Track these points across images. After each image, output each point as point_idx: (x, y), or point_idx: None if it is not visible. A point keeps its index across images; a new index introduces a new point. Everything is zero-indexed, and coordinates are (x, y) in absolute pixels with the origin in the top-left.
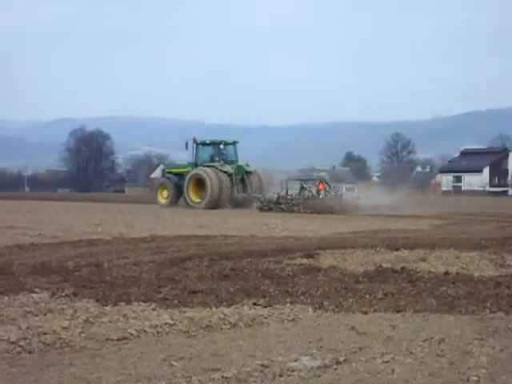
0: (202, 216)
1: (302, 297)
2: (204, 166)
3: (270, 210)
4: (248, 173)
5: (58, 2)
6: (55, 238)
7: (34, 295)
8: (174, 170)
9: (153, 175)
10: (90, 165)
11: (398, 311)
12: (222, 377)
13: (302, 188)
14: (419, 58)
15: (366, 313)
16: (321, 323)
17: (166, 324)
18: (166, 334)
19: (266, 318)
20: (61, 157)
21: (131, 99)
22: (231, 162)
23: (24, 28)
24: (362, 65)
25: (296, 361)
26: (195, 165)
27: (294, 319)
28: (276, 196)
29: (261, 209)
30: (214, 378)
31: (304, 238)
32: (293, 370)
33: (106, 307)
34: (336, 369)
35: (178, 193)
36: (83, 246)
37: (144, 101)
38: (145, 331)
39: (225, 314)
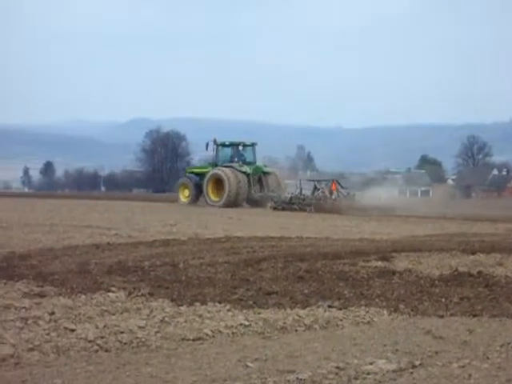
0: (279, 217)
1: (376, 299)
2: (223, 167)
3: (283, 209)
4: (265, 173)
5: (132, 4)
6: (131, 237)
7: (110, 294)
8: (195, 170)
9: None
10: (166, 165)
11: (475, 315)
12: (297, 379)
13: (315, 188)
14: (497, 59)
15: (441, 317)
16: (396, 326)
17: (241, 325)
18: (241, 334)
19: (340, 320)
20: (137, 157)
21: (207, 100)
22: (250, 163)
23: (100, 29)
24: (439, 67)
25: (371, 364)
26: (215, 165)
27: (369, 322)
28: (289, 196)
29: (274, 208)
30: (288, 380)
31: (379, 240)
32: (368, 373)
33: (181, 307)
34: (412, 373)
35: (199, 192)
36: (159, 246)
37: (219, 102)
38: (220, 332)
39: (300, 316)
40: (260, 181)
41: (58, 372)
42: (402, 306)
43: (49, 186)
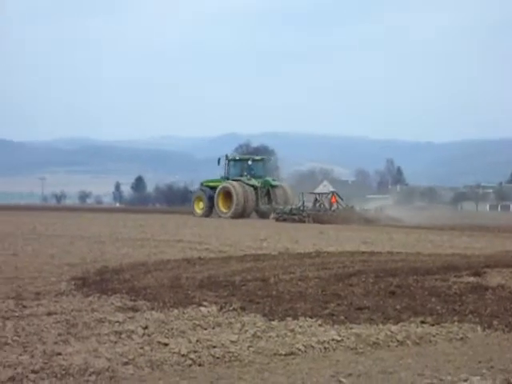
0: (366, 232)
1: (470, 315)
2: (232, 180)
3: (284, 220)
4: (274, 186)
5: (233, 23)
6: (222, 252)
7: (202, 309)
8: (209, 184)
9: (316, 190)
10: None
11: None
12: None
13: (316, 201)
14: None
15: None
16: (490, 343)
17: (333, 340)
18: (334, 350)
19: (433, 336)
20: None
21: (296, 115)
22: (259, 177)
23: (190, 47)
24: None
25: (465, 381)
26: (226, 179)
27: (462, 338)
28: (290, 208)
29: (277, 219)
30: None
31: (471, 255)
32: None
33: (273, 322)
34: None
35: (212, 204)
36: (249, 261)
37: (308, 116)
38: (312, 347)
39: (392, 332)
40: (268, 194)
41: None
42: (495, 322)
43: (140, 200)
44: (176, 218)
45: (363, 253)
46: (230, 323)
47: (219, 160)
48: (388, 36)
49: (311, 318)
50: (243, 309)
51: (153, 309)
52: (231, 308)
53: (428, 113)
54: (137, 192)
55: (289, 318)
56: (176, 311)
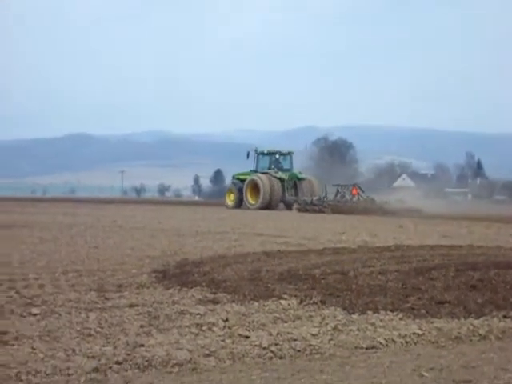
0: (446, 226)
1: None
2: (260, 173)
3: (306, 210)
4: (300, 179)
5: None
6: (301, 245)
7: (282, 302)
8: (240, 177)
9: (396, 184)
10: (334, 174)
11: None
12: None
13: (338, 192)
14: None
15: None
16: None
17: (414, 334)
18: (415, 343)
19: None
20: (303, 166)
21: (375, 108)
22: (286, 170)
23: (259, 41)
24: None
25: None
26: (255, 172)
27: None
28: (311, 199)
29: (299, 210)
30: None
31: None
32: None
33: (353, 315)
34: None
35: (242, 196)
36: (329, 254)
37: (386, 109)
38: (393, 340)
39: (474, 326)
40: (295, 186)
41: (234, 378)
42: None
43: (218, 193)
44: (254, 212)
45: (443, 246)
46: (311, 316)
47: (248, 154)
48: (465, 27)
49: (392, 311)
50: (323, 302)
51: (233, 301)
52: (311, 301)
53: (506, 105)
54: (215, 185)
55: (369, 312)
56: (256, 304)
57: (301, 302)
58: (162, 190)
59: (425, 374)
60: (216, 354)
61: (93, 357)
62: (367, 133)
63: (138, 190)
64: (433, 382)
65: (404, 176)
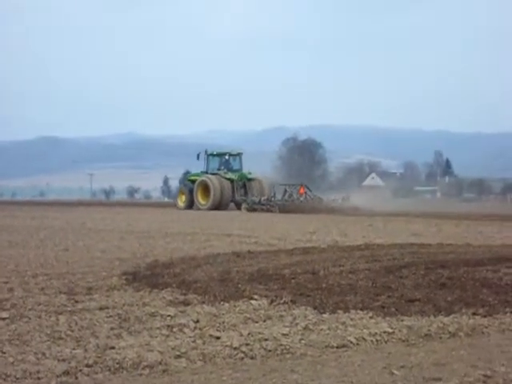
0: (415, 224)
1: None
2: (210, 174)
3: (254, 210)
4: (250, 179)
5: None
6: (271, 245)
7: (253, 302)
8: (191, 178)
9: (365, 183)
10: (302, 173)
11: None
12: None
13: (285, 192)
14: None
15: None
16: None
17: (384, 332)
18: (385, 342)
19: (486, 327)
20: (273, 165)
21: (342, 106)
22: (236, 171)
23: (239, 34)
24: None
25: None
26: (206, 173)
27: None
28: (259, 199)
29: (248, 209)
30: None
31: None
32: None
33: (323, 315)
34: None
35: (193, 197)
36: (299, 254)
37: (353, 108)
38: (364, 339)
39: (444, 323)
40: (245, 186)
41: (205, 379)
42: None
43: None
44: (224, 213)
45: (413, 245)
46: (281, 316)
47: (198, 155)
48: (439, 24)
49: (362, 310)
50: (294, 302)
51: (203, 302)
52: (282, 301)
53: (474, 104)
54: None
55: (340, 311)
56: (227, 305)
57: (271, 302)
58: (132, 191)
59: (395, 372)
60: (187, 355)
61: (63, 360)
62: (336, 132)
63: (107, 192)
64: (403, 379)
65: (373, 175)
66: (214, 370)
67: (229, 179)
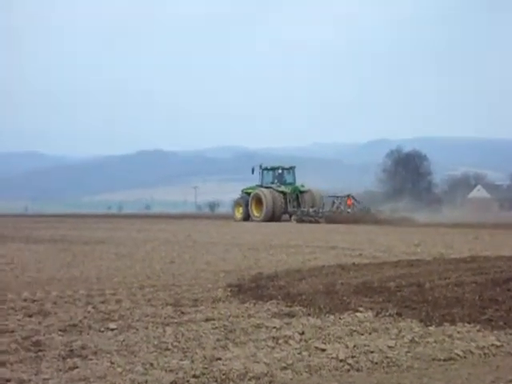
0: None
1: None
2: (264, 187)
3: (302, 221)
4: (302, 192)
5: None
6: (375, 258)
7: (358, 314)
8: (247, 191)
9: (470, 195)
10: (407, 185)
11: None
12: None
13: (334, 203)
14: None
15: None
16: None
17: (492, 345)
18: (493, 355)
19: None
20: (377, 178)
21: (449, 119)
22: (289, 184)
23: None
24: None
25: None
26: (260, 186)
27: None
28: (307, 210)
29: (297, 220)
30: None
31: None
32: None
33: (430, 327)
34: None
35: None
36: (404, 267)
37: (462, 120)
38: (471, 352)
39: None
40: (297, 198)
41: None
42: None
43: None
44: (327, 226)
45: None
46: (387, 329)
47: (253, 169)
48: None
49: (469, 323)
50: (399, 314)
51: (309, 315)
52: (387, 313)
53: None
54: None
55: (446, 324)
56: (332, 317)
57: (377, 314)
58: None
59: None
60: (293, 366)
61: (171, 370)
62: (441, 144)
63: (212, 206)
64: None
65: (479, 187)
66: (319, 381)
67: (282, 192)
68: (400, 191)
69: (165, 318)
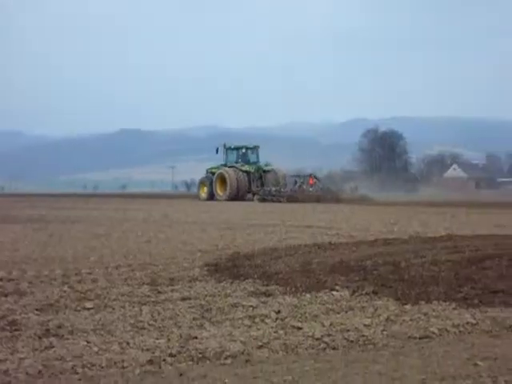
0: (499, 215)
1: None
2: (227, 167)
3: (264, 200)
4: (266, 171)
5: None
6: (352, 237)
7: (334, 293)
8: (212, 170)
9: (446, 174)
10: (383, 165)
11: None
12: None
13: (296, 182)
14: None
15: None
16: None
17: (467, 323)
18: (469, 333)
19: None
20: (354, 157)
21: (426, 98)
22: (253, 163)
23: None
24: None
25: None
26: (224, 165)
27: None
28: (269, 190)
29: (259, 200)
30: None
31: None
32: None
33: (405, 306)
34: None
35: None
36: (380, 245)
37: (441, 100)
38: (447, 330)
39: None
40: (261, 178)
41: (287, 369)
42: None
43: None
44: (304, 205)
45: (496, 236)
46: (363, 307)
47: (217, 149)
48: None
49: (445, 301)
50: (375, 293)
51: (285, 293)
52: (363, 292)
53: None
54: None
55: (422, 302)
56: (308, 296)
57: (353, 293)
58: None
59: (479, 363)
60: (269, 345)
61: (147, 349)
62: (418, 124)
63: (189, 185)
64: (488, 371)
65: (455, 166)
66: (296, 360)
67: (245, 171)
68: (376, 170)
69: (141, 297)
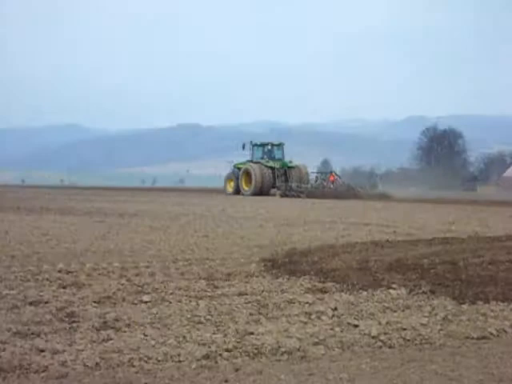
0: None
1: None
2: (253, 163)
3: (286, 196)
4: (290, 167)
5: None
6: (410, 235)
7: (391, 291)
8: (238, 166)
9: (505, 174)
10: (442, 163)
11: None
12: None
13: (317, 179)
14: None
15: None
16: None
17: None
18: None
19: None
20: (413, 155)
21: (487, 97)
22: (278, 160)
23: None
24: None
25: None
26: (250, 161)
27: None
28: (290, 186)
29: (281, 195)
30: None
31: None
32: None
33: (463, 305)
34: None
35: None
36: (438, 244)
37: (501, 99)
38: (505, 331)
39: None
40: (285, 173)
41: (343, 367)
42: None
43: None
44: (362, 202)
45: None
46: (420, 306)
47: (244, 145)
48: None
49: (503, 301)
50: (432, 292)
51: (342, 291)
52: (420, 291)
53: None
54: None
55: (479, 302)
56: (365, 293)
57: (410, 291)
58: None
59: None
60: (325, 342)
61: (203, 344)
62: (478, 122)
63: None
64: None
65: None
66: (352, 357)
67: (270, 167)
68: (435, 168)
69: (198, 292)
